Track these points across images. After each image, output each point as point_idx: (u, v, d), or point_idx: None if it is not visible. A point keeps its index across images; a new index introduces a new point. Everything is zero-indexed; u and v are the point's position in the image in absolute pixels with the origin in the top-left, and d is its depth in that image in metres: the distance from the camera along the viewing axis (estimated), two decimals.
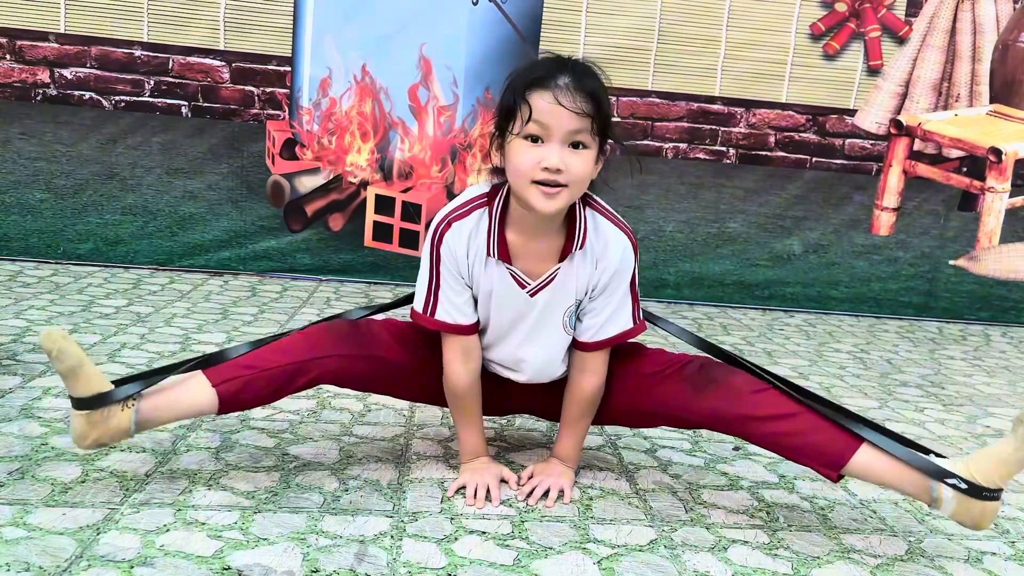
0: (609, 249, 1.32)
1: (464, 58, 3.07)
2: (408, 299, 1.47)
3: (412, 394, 1.51)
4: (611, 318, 1.36)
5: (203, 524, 1.22)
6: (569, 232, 1.31)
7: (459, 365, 1.38)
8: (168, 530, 1.19)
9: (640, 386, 1.41)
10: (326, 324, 1.42)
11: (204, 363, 1.33)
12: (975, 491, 1.18)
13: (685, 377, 1.37)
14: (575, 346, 1.40)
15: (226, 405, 1.31)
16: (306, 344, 1.35)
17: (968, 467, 1.20)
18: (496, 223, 1.30)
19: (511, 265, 1.33)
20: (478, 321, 1.38)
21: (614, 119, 1.29)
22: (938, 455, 1.26)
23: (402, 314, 1.48)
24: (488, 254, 1.31)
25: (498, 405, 1.51)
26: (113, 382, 1.27)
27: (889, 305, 3.44)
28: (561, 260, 1.33)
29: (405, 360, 1.42)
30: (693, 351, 1.47)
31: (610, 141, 1.27)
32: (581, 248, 1.31)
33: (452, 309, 1.34)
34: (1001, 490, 1.19)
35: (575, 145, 1.21)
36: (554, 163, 1.19)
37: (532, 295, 1.34)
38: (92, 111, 3.04)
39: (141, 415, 1.27)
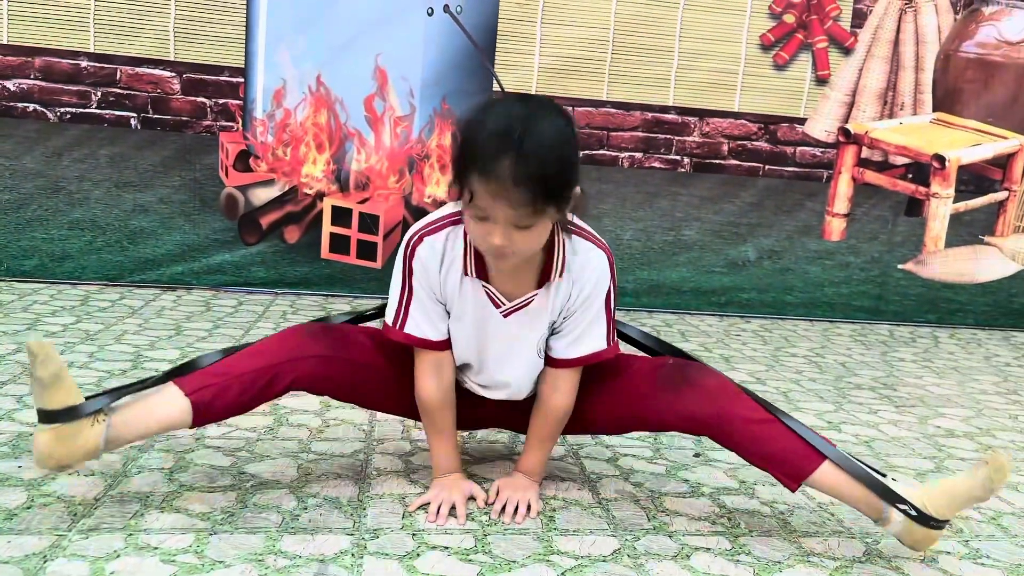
0: (587, 268, 1.31)
1: (420, 69, 3.06)
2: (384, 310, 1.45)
3: (392, 403, 1.47)
4: (583, 335, 1.35)
5: (156, 548, 1.18)
6: (548, 255, 1.29)
7: (430, 379, 1.36)
8: (119, 556, 1.15)
9: (613, 392, 1.41)
10: (302, 326, 1.39)
11: (177, 372, 1.29)
12: (923, 519, 1.25)
13: (660, 380, 1.38)
14: (547, 363, 1.39)
15: (200, 415, 1.26)
16: (280, 347, 1.32)
17: (923, 496, 1.26)
18: (472, 242, 1.28)
19: (487, 283, 1.31)
20: (449, 338, 1.36)
21: (576, 172, 1.20)
22: (890, 479, 1.31)
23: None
24: (465, 273, 1.30)
25: (467, 420, 1.49)
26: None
27: (842, 309, 3.51)
28: (539, 286, 1.32)
29: (384, 366, 1.39)
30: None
31: (577, 188, 1.21)
32: (560, 277, 1.30)
33: (423, 323, 1.33)
34: (947, 521, 1.26)
35: (520, 226, 1.17)
36: (497, 243, 1.17)
37: (505, 316, 1.33)
38: (36, 123, 2.96)
39: (112, 431, 1.22)
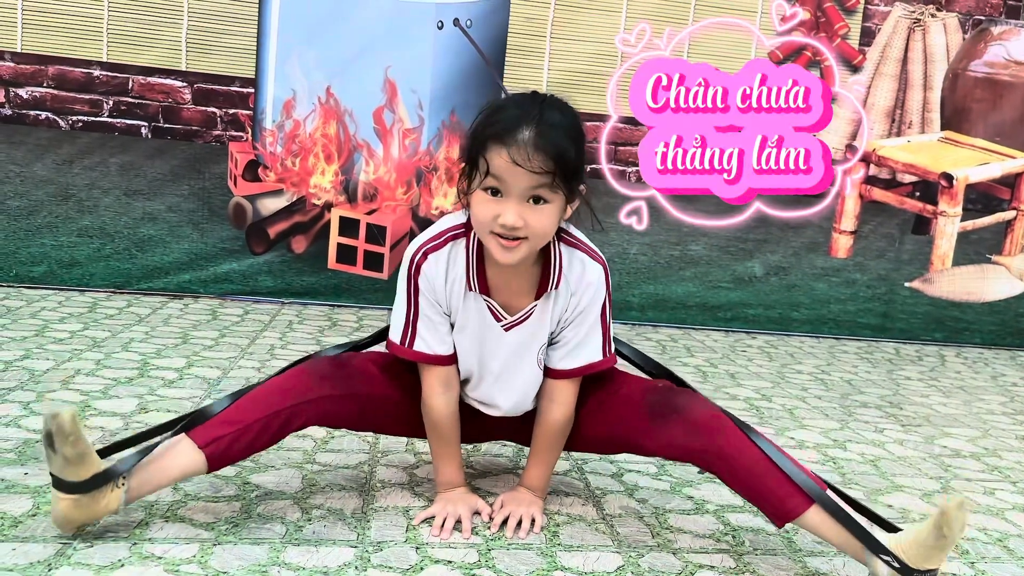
0: (584, 280, 1.33)
1: (429, 81, 3.08)
2: (382, 335, 1.45)
3: (404, 428, 1.48)
4: (579, 347, 1.36)
5: (160, 558, 1.18)
6: (545, 267, 1.31)
7: (439, 396, 1.37)
8: (123, 565, 1.15)
9: (603, 413, 1.41)
10: (307, 365, 1.37)
11: (189, 423, 1.28)
12: (906, 571, 1.17)
13: (649, 407, 1.36)
14: (545, 374, 1.40)
15: (215, 465, 1.26)
16: (289, 390, 1.31)
17: (900, 546, 1.19)
18: (474, 256, 1.30)
19: (489, 298, 1.33)
20: (455, 351, 1.37)
21: (585, 165, 1.26)
22: (886, 525, 1.25)
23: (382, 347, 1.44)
24: (469, 288, 1.31)
25: (472, 433, 1.49)
26: (97, 451, 1.21)
27: (848, 326, 3.50)
28: (538, 297, 1.33)
29: (394, 393, 1.40)
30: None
31: (582, 186, 1.26)
32: (556, 288, 1.32)
33: (431, 339, 1.34)
34: (934, 570, 1.18)
35: (536, 199, 1.20)
36: (510, 221, 1.19)
37: (507, 329, 1.34)
38: (48, 131, 2.98)
39: (130, 493, 1.21)
